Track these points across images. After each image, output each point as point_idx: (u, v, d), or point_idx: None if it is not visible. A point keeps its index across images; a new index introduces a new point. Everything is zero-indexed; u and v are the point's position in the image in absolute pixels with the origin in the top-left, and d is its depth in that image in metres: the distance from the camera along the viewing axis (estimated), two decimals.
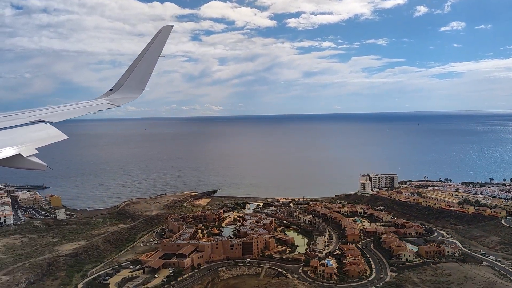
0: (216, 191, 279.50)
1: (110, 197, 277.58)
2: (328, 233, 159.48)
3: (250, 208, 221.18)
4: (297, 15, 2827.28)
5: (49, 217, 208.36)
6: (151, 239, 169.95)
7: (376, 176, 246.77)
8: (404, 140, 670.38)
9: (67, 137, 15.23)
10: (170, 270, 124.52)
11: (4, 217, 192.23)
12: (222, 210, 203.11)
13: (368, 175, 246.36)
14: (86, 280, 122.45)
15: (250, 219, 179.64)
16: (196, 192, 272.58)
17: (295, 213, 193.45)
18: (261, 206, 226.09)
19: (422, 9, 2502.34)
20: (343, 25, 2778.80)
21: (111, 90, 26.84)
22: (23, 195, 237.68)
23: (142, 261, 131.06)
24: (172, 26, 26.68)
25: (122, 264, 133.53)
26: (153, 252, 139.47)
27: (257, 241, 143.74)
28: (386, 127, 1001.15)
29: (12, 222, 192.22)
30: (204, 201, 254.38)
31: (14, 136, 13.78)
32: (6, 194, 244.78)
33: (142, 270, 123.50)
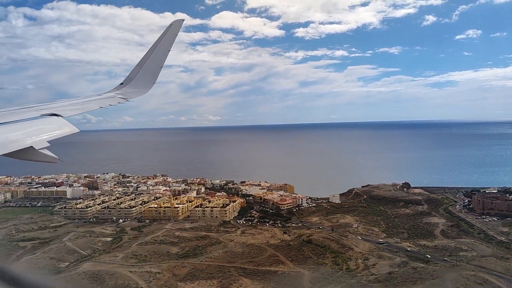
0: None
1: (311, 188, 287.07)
2: None
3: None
4: (305, 24, 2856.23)
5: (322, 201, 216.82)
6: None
7: None
8: (472, 143, 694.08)
9: (78, 130, 15.53)
10: None
11: (301, 199, 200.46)
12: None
13: None
14: None
15: None
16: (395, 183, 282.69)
17: None
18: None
19: (431, 18, 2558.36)
20: (351, 35, 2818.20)
21: (121, 84, 26.52)
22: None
23: None
24: (183, 20, 27.11)
25: None
26: None
27: None
28: (432, 133, 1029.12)
29: (307, 204, 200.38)
30: (417, 190, 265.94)
31: (26, 129, 13.78)
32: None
33: None
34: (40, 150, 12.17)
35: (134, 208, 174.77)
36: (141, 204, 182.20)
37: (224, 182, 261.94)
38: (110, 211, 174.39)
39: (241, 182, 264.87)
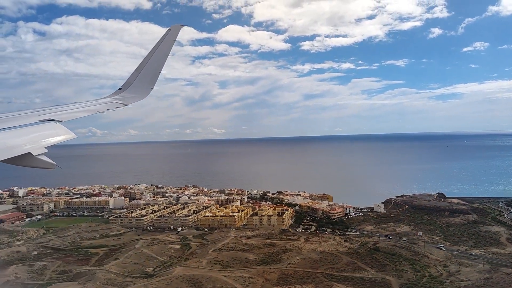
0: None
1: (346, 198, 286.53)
2: None
3: None
4: (311, 38, 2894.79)
5: (367, 211, 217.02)
6: None
7: None
8: (488, 154, 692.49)
9: (76, 136, 15.21)
10: None
11: (348, 208, 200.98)
12: None
13: None
14: None
15: None
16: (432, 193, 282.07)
17: None
18: None
19: (436, 31, 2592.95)
20: (356, 47, 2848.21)
21: (120, 89, 26.28)
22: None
23: None
24: (181, 25, 26.97)
25: None
26: None
27: None
28: (444, 144, 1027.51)
29: (354, 214, 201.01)
30: (454, 200, 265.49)
31: (24, 135, 13.61)
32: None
33: None
34: (38, 156, 12.03)
35: (190, 217, 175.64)
36: (194, 213, 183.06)
37: (262, 192, 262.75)
38: (166, 219, 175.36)
39: (278, 192, 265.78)
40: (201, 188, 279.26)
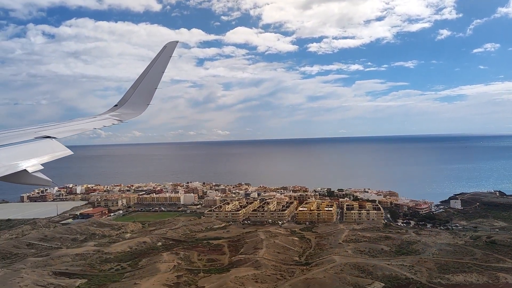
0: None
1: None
2: None
3: None
4: (319, 39, 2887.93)
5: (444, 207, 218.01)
6: None
7: None
8: None
9: (72, 153, 15.27)
10: None
11: (431, 204, 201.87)
12: None
13: None
14: None
15: None
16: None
17: None
18: None
19: (445, 33, 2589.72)
20: (363, 49, 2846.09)
21: (116, 105, 26.59)
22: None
23: None
24: (177, 42, 27.06)
25: None
26: None
27: None
28: (463, 145, 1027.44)
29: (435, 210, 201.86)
30: None
31: (19, 152, 13.71)
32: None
33: None
34: (33, 174, 12.15)
35: (285, 211, 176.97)
36: (285, 208, 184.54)
37: (326, 189, 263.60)
38: (263, 214, 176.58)
39: (339, 190, 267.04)
40: (262, 186, 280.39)
